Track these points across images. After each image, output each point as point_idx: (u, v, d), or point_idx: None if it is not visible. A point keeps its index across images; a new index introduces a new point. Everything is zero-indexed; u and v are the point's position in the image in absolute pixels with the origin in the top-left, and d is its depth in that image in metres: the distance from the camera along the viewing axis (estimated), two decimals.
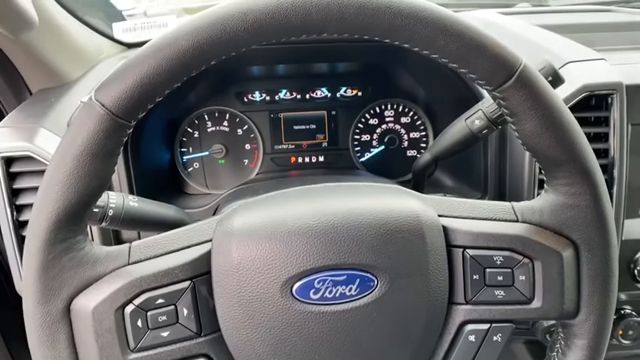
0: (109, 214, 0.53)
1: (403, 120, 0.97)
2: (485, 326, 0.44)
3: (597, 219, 0.42)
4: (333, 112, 0.96)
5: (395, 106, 0.96)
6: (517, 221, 0.44)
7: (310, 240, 0.40)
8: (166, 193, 0.87)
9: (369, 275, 0.41)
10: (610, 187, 0.68)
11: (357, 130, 0.97)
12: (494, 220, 0.44)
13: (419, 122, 0.97)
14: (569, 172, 0.41)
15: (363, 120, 0.96)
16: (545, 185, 0.44)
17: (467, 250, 0.43)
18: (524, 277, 0.43)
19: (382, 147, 0.97)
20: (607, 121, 0.68)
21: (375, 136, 0.97)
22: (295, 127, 0.95)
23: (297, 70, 0.93)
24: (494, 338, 0.44)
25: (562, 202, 0.43)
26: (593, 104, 0.69)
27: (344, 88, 0.95)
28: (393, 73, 0.94)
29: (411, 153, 0.98)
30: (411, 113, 0.97)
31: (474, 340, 0.44)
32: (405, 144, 0.98)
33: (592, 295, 0.43)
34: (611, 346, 0.85)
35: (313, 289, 0.40)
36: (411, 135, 0.98)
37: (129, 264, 0.40)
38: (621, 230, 0.71)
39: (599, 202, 0.42)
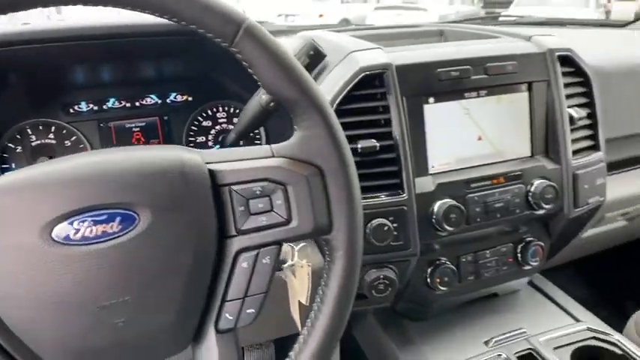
0: None
1: (235, 120, 1.03)
2: (256, 252, 0.49)
3: (333, 146, 0.51)
4: (166, 118, 0.99)
5: (226, 108, 1.03)
6: (273, 157, 0.51)
7: (68, 185, 0.42)
8: None
9: (129, 212, 0.44)
10: (397, 149, 0.81)
11: (192, 133, 1.00)
12: (255, 159, 0.51)
13: None
14: (304, 108, 0.50)
15: (196, 122, 1.01)
16: (294, 125, 0.52)
17: (232, 187, 0.49)
18: (280, 201, 0.49)
19: (217, 146, 1.02)
20: (386, 96, 0.81)
21: (209, 137, 1.02)
22: (127, 135, 0.96)
23: (124, 78, 0.95)
24: (264, 261, 0.49)
25: (305, 135, 0.51)
26: (377, 84, 0.82)
27: (174, 94, 0.99)
28: (218, 80, 1.00)
29: None
30: None
31: (246, 266, 0.49)
32: (240, 142, 1.04)
33: (340, 212, 0.51)
34: (435, 295, 0.96)
35: (73, 231, 0.42)
36: None
37: None
38: (413, 187, 0.83)
39: (331, 130, 0.50)
